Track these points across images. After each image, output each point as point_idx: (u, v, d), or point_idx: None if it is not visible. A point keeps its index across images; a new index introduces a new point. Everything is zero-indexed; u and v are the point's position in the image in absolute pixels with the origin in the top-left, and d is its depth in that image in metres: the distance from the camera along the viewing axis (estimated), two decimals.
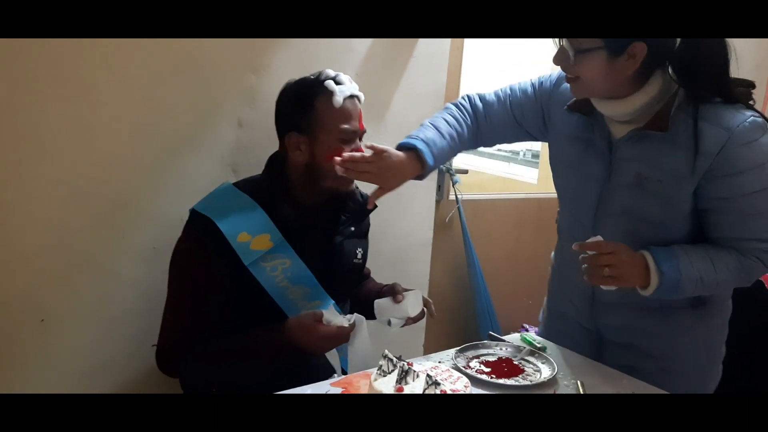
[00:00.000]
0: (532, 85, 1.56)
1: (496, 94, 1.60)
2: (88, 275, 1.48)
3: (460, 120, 1.55)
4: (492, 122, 1.58)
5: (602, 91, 1.31)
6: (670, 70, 1.28)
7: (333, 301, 1.44)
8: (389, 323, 1.47)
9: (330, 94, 1.37)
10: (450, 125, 1.51)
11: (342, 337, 1.33)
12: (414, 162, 1.41)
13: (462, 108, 1.59)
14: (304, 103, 1.39)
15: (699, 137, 1.23)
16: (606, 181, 1.37)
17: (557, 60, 1.31)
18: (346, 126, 1.38)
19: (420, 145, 1.41)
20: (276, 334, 1.31)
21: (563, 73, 1.36)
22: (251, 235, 1.35)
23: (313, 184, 1.41)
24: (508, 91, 1.59)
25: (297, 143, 1.40)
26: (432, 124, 1.50)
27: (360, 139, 1.44)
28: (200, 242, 1.35)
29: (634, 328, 1.45)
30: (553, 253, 1.68)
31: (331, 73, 1.40)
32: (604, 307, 1.48)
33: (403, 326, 1.48)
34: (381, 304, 1.49)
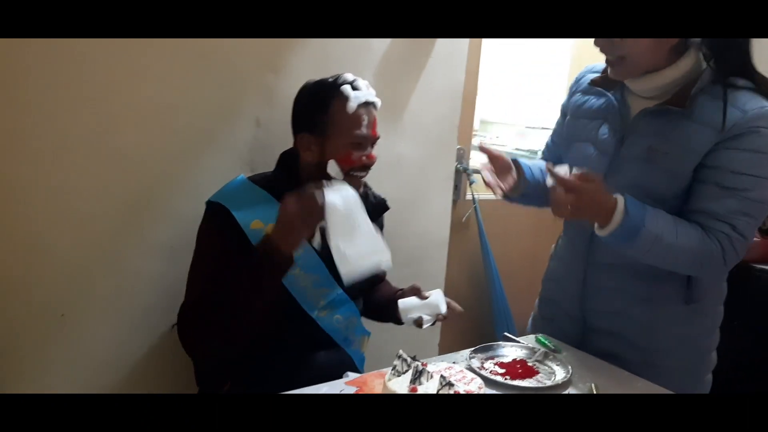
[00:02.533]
0: (563, 107, 1.63)
1: (548, 145, 1.69)
2: (107, 272, 1.51)
3: None
4: None
5: (645, 67, 1.33)
6: (703, 48, 1.31)
7: (341, 290, 1.46)
8: (417, 323, 1.47)
9: (345, 98, 1.38)
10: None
11: (305, 208, 1.25)
12: None
13: None
14: (318, 105, 1.40)
15: (715, 114, 1.27)
16: (616, 155, 1.40)
17: (601, 43, 1.33)
18: (357, 132, 1.39)
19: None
20: (255, 255, 1.28)
21: (590, 67, 1.50)
22: (264, 223, 1.37)
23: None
24: (552, 134, 1.67)
25: (308, 143, 1.41)
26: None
27: (372, 146, 1.45)
28: (216, 228, 1.37)
29: (622, 315, 1.45)
30: (553, 245, 1.70)
31: (349, 77, 1.41)
32: (594, 292, 1.48)
33: (432, 324, 1.49)
34: (408, 302, 1.49)
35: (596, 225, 1.29)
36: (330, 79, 1.42)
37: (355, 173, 1.42)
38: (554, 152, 1.64)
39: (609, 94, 1.45)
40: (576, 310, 1.53)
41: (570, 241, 1.57)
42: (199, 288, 1.37)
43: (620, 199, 1.26)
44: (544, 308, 1.67)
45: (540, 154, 1.73)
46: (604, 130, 1.44)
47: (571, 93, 1.58)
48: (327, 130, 1.40)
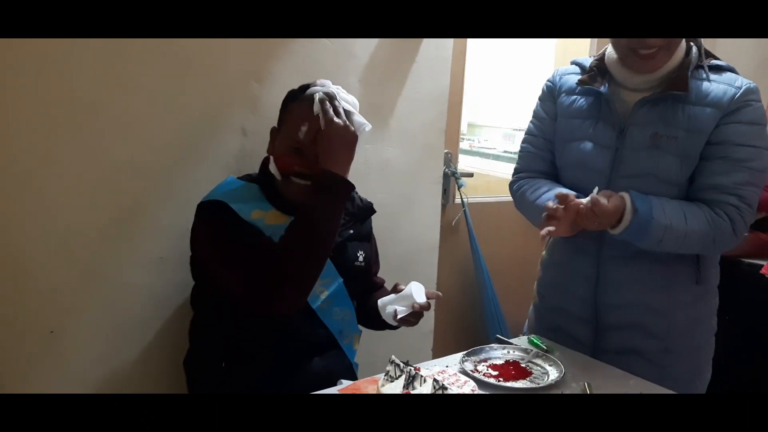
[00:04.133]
0: (539, 110, 1.62)
1: (528, 151, 1.64)
2: (96, 286, 1.49)
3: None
4: (547, 169, 1.61)
5: (672, 55, 1.39)
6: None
7: (341, 279, 1.47)
8: (393, 317, 1.46)
9: (301, 101, 1.39)
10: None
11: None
12: None
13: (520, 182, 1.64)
14: (283, 104, 1.45)
15: (711, 94, 1.37)
16: (617, 146, 1.42)
17: (635, 39, 1.36)
18: (295, 136, 1.36)
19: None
20: (316, 194, 1.32)
21: (561, 71, 1.55)
22: (264, 212, 1.37)
23: (274, 181, 1.42)
24: (534, 140, 1.62)
25: (273, 137, 1.46)
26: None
27: (314, 158, 1.40)
28: (219, 220, 1.35)
29: (638, 305, 1.46)
30: (544, 253, 1.70)
31: (320, 83, 1.41)
32: (608, 287, 1.49)
33: (416, 322, 1.48)
34: (385, 299, 1.50)
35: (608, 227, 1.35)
36: (310, 84, 1.43)
37: (294, 179, 1.39)
38: (545, 156, 1.60)
39: (600, 90, 1.46)
40: (588, 311, 1.53)
41: (572, 242, 1.53)
42: (252, 258, 1.31)
43: (627, 198, 1.31)
44: (547, 319, 1.65)
45: (520, 165, 1.67)
46: (600, 126, 1.46)
47: (552, 95, 1.58)
48: (280, 128, 1.44)
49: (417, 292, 1.47)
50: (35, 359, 1.44)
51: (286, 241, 1.30)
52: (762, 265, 2.22)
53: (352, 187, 1.35)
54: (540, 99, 1.63)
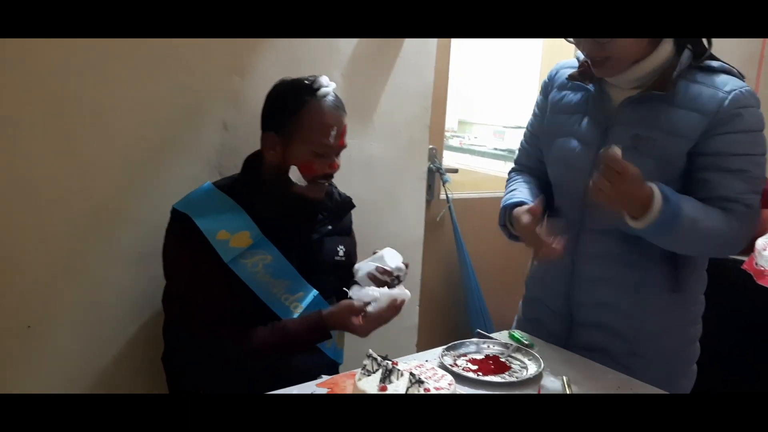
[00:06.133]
0: (536, 107, 1.61)
1: (522, 146, 1.65)
2: (73, 281, 1.48)
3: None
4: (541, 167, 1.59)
5: (629, 63, 1.33)
6: None
7: (316, 292, 1.45)
8: (370, 277, 1.47)
9: (319, 105, 1.36)
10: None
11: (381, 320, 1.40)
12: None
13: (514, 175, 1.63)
14: (289, 107, 1.38)
15: (698, 98, 1.30)
16: (600, 144, 1.37)
17: (587, 46, 1.33)
18: (325, 141, 1.38)
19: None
20: (313, 322, 1.39)
21: (562, 64, 1.51)
22: (230, 233, 1.36)
23: (284, 185, 1.41)
24: (527, 135, 1.63)
25: (273, 144, 1.40)
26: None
27: (338, 155, 1.44)
28: (184, 239, 1.36)
29: (609, 305, 1.45)
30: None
31: (324, 82, 1.39)
32: (581, 284, 1.47)
33: (388, 288, 1.47)
34: (358, 264, 1.51)
35: (628, 218, 1.26)
36: (306, 81, 1.39)
37: (318, 181, 1.41)
38: (532, 153, 1.61)
39: (588, 87, 1.44)
40: (562, 306, 1.52)
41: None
42: (203, 304, 1.36)
43: (655, 188, 1.23)
44: (528, 310, 1.66)
45: (516, 157, 1.70)
46: (586, 123, 1.43)
47: (546, 90, 1.57)
48: (293, 134, 1.38)
49: (390, 257, 1.47)
50: (12, 355, 1.43)
51: (257, 341, 1.35)
52: (743, 261, 2.23)
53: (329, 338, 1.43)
54: (540, 93, 1.62)
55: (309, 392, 1.22)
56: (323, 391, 1.23)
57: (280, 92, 1.42)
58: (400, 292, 1.44)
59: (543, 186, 1.56)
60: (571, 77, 1.48)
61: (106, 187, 1.50)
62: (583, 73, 1.45)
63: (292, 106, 1.38)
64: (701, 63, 1.34)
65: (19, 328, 1.43)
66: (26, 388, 1.45)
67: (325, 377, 1.36)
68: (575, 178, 1.42)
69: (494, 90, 4.52)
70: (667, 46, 1.34)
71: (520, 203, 1.44)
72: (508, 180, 1.64)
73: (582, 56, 1.47)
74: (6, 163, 1.36)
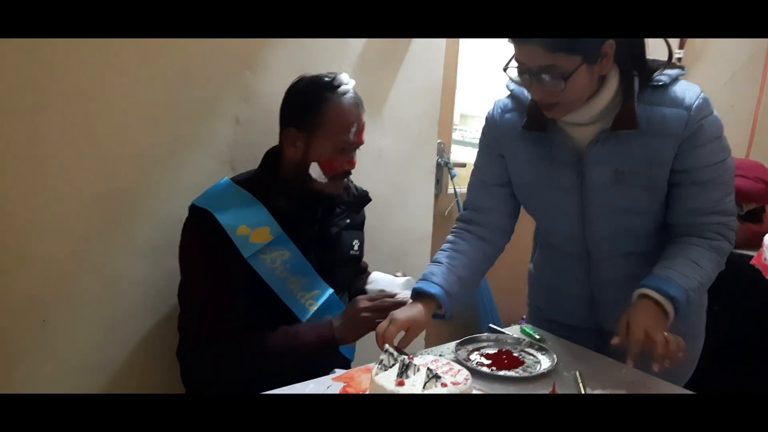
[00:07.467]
0: (484, 145, 1.51)
1: (472, 185, 1.54)
2: (88, 275, 1.49)
3: (465, 248, 1.50)
4: (498, 208, 1.51)
5: (581, 103, 1.28)
6: (617, 58, 1.26)
7: (332, 290, 1.45)
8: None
9: (340, 102, 1.37)
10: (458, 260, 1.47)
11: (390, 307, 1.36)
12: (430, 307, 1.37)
13: (460, 232, 1.54)
14: (311, 103, 1.39)
15: (665, 121, 1.28)
16: (580, 187, 1.36)
17: (538, 92, 1.26)
18: (345, 137, 1.39)
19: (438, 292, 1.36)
20: (325, 339, 1.37)
21: (501, 106, 1.44)
22: (251, 228, 1.36)
23: (304, 181, 1.42)
24: (476, 174, 1.53)
25: (294, 139, 1.40)
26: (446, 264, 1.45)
27: (355, 152, 1.45)
28: (203, 235, 1.36)
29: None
30: (531, 265, 1.69)
31: (345, 79, 1.40)
32: (604, 305, 1.49)
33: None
34: (376, 275, 1.54)
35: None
36: (327, 78, 1.40)
37: (338, 178, 1.42)
38: (490, 194, 1.50)
39: (547, 134, 1.37)
40: (588, 323, 1.53)
41: (563, 269, 1.53)
42: (217, 303, 1.36)
43: (650, 293, 1.24)
44: (552, 330, 1.58)
45: (467, 200, 1.56)
46: (557, 169, 1.37)
47: (494, 134, 1.46)
48: (315, 130, 1.39)
49: (406, 286, 1.49)
50: (27, 346, 1.43)
51: (267, 347, 1.35)
52: (752, 256, 2.24)
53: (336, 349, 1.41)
54: (483, 133, 1.51)
55: (326, 386, 1.23)
56: (339, 385, 1.23)
57: (301, 88, 1.43)
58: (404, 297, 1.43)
59: (484, 257, 1.52)
60: (526, 128, 1.38)
61: (120, 182, 1.50)
62: (532, 120, 1.36)
63: (314, 103, 1.38)
64: (650, 83, 1.30)
65: (34, 322, 1.43)
66: (42, 382, 1.46)
67: (339, 371, 1.37)
68: (567, 221, 1.42)
69: (495, 83, 4.50)
70: (613, 79, 1.28)
71: (425, 293, 1.35)
72: (450, 234, 1.55)
73: (522, 93, 1.40)
74: (24, 158, 1.37)
